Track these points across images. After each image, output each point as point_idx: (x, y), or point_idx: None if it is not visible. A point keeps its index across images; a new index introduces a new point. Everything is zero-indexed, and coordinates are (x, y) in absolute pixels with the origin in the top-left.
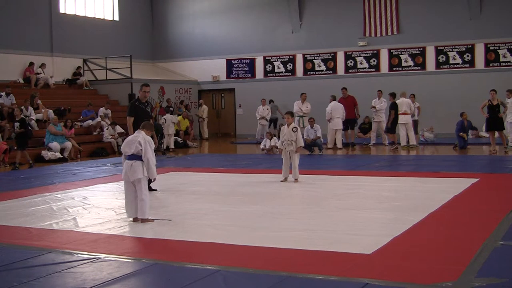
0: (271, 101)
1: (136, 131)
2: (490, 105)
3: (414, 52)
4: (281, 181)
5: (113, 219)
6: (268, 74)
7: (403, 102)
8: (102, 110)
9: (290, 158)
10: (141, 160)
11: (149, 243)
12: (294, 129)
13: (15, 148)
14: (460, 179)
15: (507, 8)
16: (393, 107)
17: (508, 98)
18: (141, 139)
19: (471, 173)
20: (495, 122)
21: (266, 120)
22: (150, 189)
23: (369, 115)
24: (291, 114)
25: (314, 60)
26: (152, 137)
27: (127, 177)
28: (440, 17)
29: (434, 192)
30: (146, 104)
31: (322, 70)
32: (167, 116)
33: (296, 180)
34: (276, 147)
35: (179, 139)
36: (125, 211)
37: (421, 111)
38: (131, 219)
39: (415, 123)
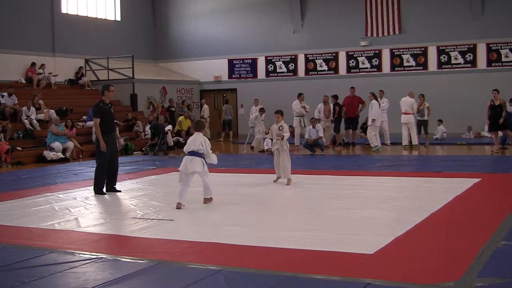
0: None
1: (196, 133)
2: (492, 105)
3: (416, 52)
4: (274, 181)
5: (115, 219)
6: (270, 74)
7: (406, 102)
8: None
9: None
10: (200, 156)
11: (150, 243)
12: (280, 127)
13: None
14: (462, 179)
15: (509, 8)
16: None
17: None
18: (202, 141)
19: (473, 173)
20: (496, 122)
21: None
22: (115, 189)
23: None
24: (281, 113)
25: (316, 60)
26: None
27: (185, 169)
28: (442, 17)
29: (436, 192)
30: (110, 105)
31: (324, 70)
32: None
33: (288, 181)
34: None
35: (180, 139)
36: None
37: (430, 111)
38: (180, 206)
39: (425, 123)
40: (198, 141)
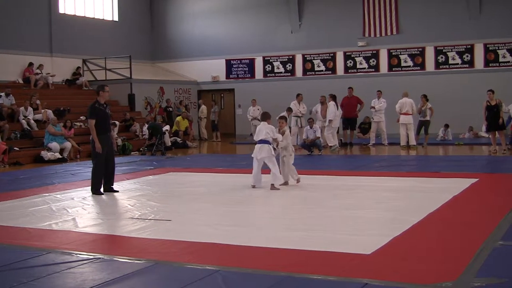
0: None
1: (262, 123)
2: (488, 106)
3: (413, 52)
4: (281, 185)
5: (112, 219)
6: (268, 75)
7: (406, 102)
8: None
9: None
10: (268, 143)
11: (148, 243)
12: (282, 133)
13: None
14: (459, 179)
15: (506, 8)
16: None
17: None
18: (268, 130)
19: (470, 173)
20: (494, 122)
21: (258, 120)
22: (112, 190)
23: (369, 115)
24: (286, 119)
25: (313, 60)
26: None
27: (256, 155)
28: (439, 17)
29: (434, 192)
30: (105, 105)
31: (322, 70)
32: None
33: (281, 185)
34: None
35: (178, 139)
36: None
37: (433, 112)
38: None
39: (426, 124)
40: (265, 131)
